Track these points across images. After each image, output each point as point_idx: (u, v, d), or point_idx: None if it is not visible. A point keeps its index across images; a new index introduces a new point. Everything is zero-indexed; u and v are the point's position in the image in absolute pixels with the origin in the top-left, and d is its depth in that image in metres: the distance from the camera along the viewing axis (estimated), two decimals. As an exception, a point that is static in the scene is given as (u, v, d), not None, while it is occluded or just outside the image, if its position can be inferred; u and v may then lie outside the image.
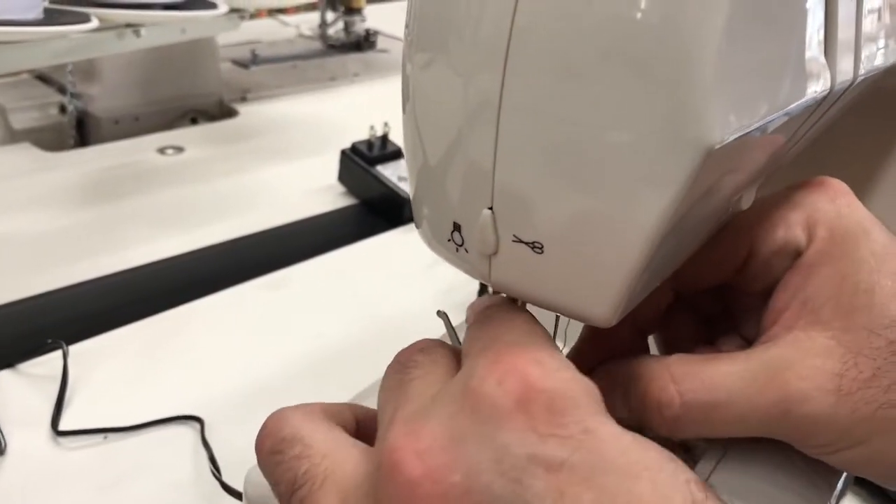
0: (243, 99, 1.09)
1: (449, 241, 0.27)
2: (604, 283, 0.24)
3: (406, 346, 0.27)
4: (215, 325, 0.58)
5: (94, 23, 0.66)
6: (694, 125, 0.21)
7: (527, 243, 0.25)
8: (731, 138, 0.21)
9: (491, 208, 0.25)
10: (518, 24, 0.22)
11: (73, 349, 0.54)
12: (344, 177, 0.82)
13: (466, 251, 0.26)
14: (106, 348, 0.55)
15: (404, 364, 0.25)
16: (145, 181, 0.82)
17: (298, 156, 0.91)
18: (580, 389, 0.22)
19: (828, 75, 0.25)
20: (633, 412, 0.29)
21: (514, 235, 0.25)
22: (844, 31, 0.25)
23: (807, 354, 0.28)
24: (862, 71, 0.27)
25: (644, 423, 0.29)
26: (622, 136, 0.22)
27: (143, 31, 0.76)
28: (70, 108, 0.95)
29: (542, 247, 0.24)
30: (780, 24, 0.23)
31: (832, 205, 0.30)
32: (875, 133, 0.41)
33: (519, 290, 0.26)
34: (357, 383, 0.36)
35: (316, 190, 0.82)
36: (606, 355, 0.31)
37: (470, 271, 0.27)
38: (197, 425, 0.48)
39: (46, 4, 0.73)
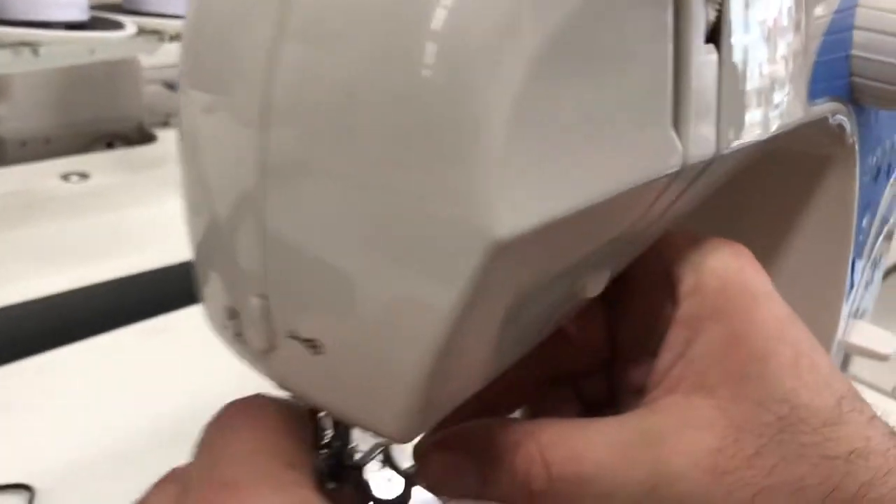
0: (166, 123, 1.04)
1: (226, 327, 0.22)
2: (392, 395, 0.20)
3: None
4: (75, 376, 0.53)
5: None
6: (478, 215, 0.17)
7: (304, 341, 0.20)
8: (529, 230, 0.17)
9: (263, 296, 0.20)
10: (284, 64, 0.18)
11: None
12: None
13: (243, 343, 0.22)
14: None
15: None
16: (40, 210, 0.76)
17: (212, 187, 0.86)
18: None
19: (678, 150, 0.21)
20: (491, 487, 0.25)
21: (290, 331, 0.20)
22: (700, 100, 0.21)
23: (685, 425, 0.24)
24: (731, 143, 0.23)
25: (505, 497, 0.25)
26: (403, 219, 0.18)
27: (41, 50, 0.72)
28: (-27, 127, 0.89)
29: (321, 346, 0.20)
30: (604, 93, 0.18)
31: (733, 259, 0.26)
32: (780, 201, 0.37)
33: (302, 394, 0.22)
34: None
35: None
36: None
37: (251, 366, 0.23)
38: (27, 495, 0.43)
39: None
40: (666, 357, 0.26)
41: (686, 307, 0.26)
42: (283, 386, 0.22)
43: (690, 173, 0.22)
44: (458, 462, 0.25)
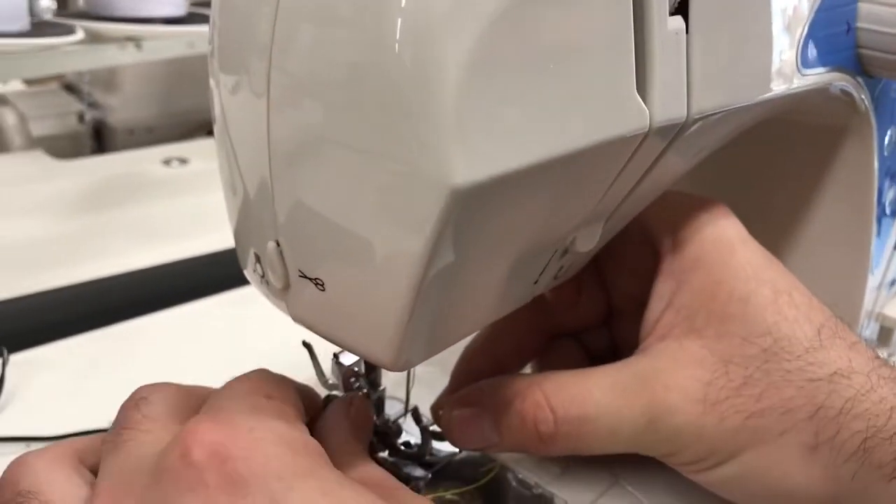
0: (262, 113, 1.10)
1: (254, 272, 0.26)
2: (381, 326, 0.23)
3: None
4: (166, 340, 0.58)
5: (80, 35, 0.67)
6: (437, 166, 0.20)
7: (311, 279, 0.24)
8: (486, 179, 0.20)
9: (277, 241, 0.24)
10: (277, 48, 0.21)
11: (17, 358, 0.54)
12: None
13: (268, 283, 0.25)
14: (50, 358, 0.55)
15: (120, 423, 0.24)
16: (141, 192, 0.83)
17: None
18: (273, 452, 0.21)
19: (644, 113, 0.23)
20: (506, 435, 0.28)
21: (300, 271, 0.24)
22: (666, 68, 0.24)
23: (677, 364, 0.27)
24: (705, 108, 0.25)
25: (519, 445, 0.29)
26: (379, 174, 0.21)
27: (144, 44, 0.78)
28: (87, 117, 0.97)
29: (324, 284, 0.23)
30: (560, 55, 0.21)
31: (707, 212, 0.29)
32: (799, 172, 0.38)
33: (313, 327, 0.25)
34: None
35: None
36: None
37: (275, 305, 0.26)
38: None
39: (49, 17, 0.76)
40: (655, 308, 0.28)
41: (669, 261, 0.28)
42: (298, 321, 0.25)
43: (663, 135, 0.25)
44: (476, 416, 0.29)
